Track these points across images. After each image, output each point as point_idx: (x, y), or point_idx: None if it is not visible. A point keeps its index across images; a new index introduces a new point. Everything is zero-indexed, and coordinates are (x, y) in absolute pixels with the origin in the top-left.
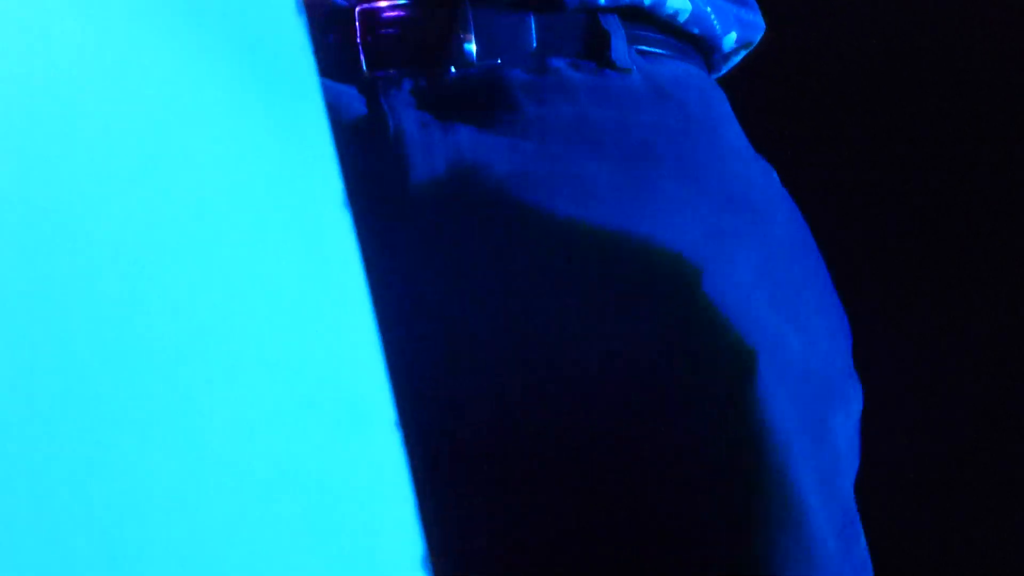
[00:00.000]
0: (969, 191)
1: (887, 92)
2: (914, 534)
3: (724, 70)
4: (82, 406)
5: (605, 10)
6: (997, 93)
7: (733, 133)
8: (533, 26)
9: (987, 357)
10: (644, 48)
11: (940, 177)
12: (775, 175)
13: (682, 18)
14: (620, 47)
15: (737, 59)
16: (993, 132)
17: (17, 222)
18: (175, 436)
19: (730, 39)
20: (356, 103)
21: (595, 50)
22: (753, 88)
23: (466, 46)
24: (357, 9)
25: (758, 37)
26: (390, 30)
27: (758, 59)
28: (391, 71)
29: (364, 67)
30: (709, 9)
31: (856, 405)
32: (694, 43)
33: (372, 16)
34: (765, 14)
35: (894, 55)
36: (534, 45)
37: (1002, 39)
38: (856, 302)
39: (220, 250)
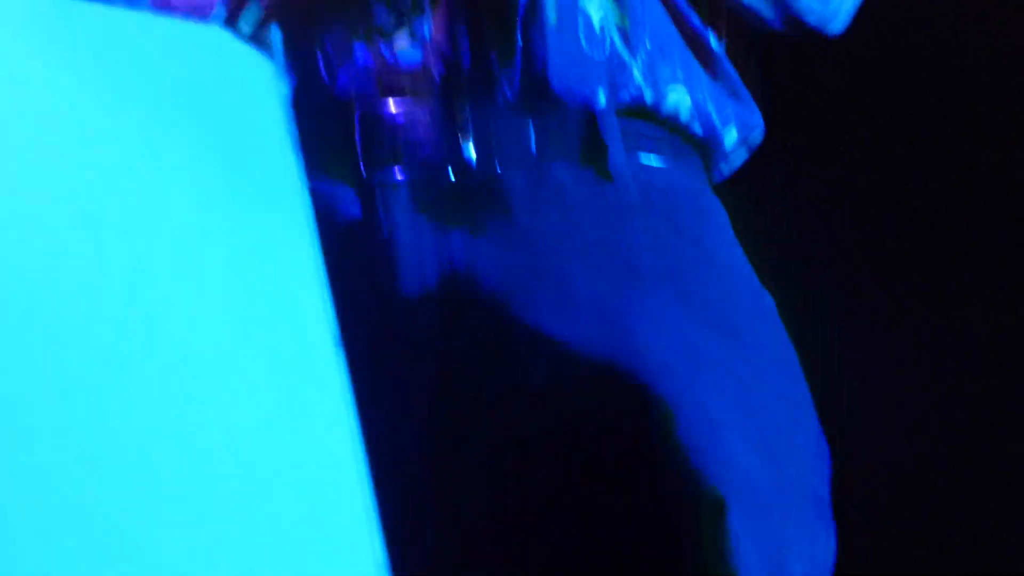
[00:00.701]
0: (969, 191)
1: (887, 91)
2: (914, 534)
3: (726, 173)
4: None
5: (605, 112)
6: (997, 93)
7: (726, 250)
8: (532, 130)
9: (987, 357)
10: (643, 154)
11: (940, 177)
12: (768, 297)
13: (683, 116)
14: (618, 155)
15: (739, 161)
16: (993, 132)
17: (17, 336)
18: None
19: (731, 135)
20: (351, 204)
21: (593, 157)
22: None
23: (464, 150)
24: (357, 108)
25: (759, 136)
26: (389, 131)
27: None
28: (388, 173)
29: (361, 167)
30: (708, 104)
31: (824, 552)
32: (695, 144)
33: (372, 116)
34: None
35: (893, 54)
36: (533, 150)
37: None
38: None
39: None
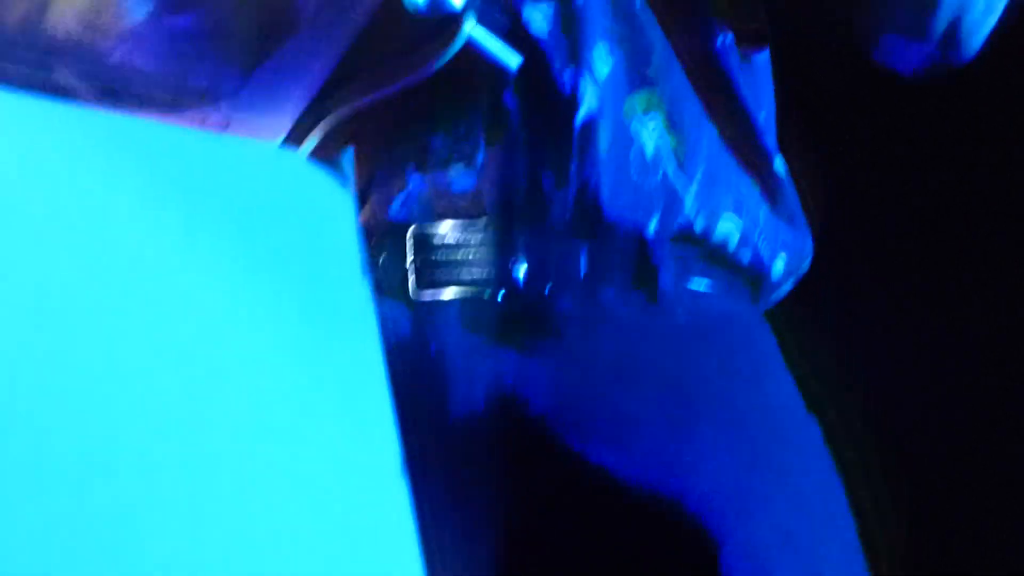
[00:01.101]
0: (969, 192)
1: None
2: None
3: (772, 301)
4: None
5: (655, 239)
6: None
7: (775, 380)
8: (584, 254)
9: (987, 357)
10: (692, 279)
11: (940, 178)
12: (814, 425)
13: (732, 244)
14: (668, 281)
15: (786, 288)
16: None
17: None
18: None
19: (779, 266)
20: (403, 322)
21: (644, 282)
22: None
23: (515, 271)
24: (410, 229)
25: (807, 264)
26: (441, 252)
27: None
28: (439, 292)
29: (413, 287)
30: (758, 234)
31: None
32: (743, 273)
33: (424, 237)
34: None
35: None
36: (583, 273)
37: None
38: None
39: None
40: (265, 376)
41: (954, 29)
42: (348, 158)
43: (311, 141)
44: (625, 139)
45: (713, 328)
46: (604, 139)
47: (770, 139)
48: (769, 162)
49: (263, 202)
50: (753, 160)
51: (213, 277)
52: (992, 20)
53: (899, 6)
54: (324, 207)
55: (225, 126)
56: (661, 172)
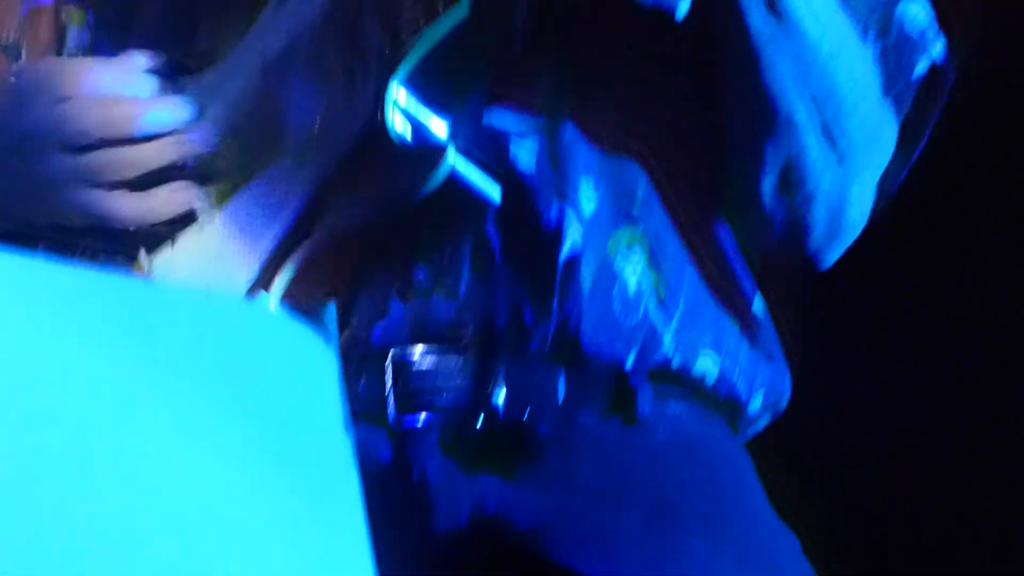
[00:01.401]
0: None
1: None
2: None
3: (750, 433)
4: None
5: (634, 372)
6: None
7: (755, 495)
8: (562, 381)
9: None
10: (670, 405)
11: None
12: (793, 538)
13: (709, 380)
14: (646, 404)
15: (762, 423)
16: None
17: None
18: None
19: (756, 403)
20: (383, 448)
21: (622, 407)
22: None
23: (494, 397)
24: (390, 355)
25: (784, 401)
26: (421, 377)
27: None
28: (418, 418)
29: (393, 412)
30: (736, 372)
31: None
32: (719, 406)
33: (404, 362)
34: None
35: None
36: (561, 399)
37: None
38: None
39: None
40: (244, 520)
41: (796, 239)
42: (331, 311)
43: (288, 270)
44: (609, 276)
45: (692, 445)
46: (587, 275)
47: (748, 279)
48: (748, 301)
49: (242, 357)
50: (732, 299)
51: (189, 430)
52: (848, 233)
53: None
54: (302, 359)
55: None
56: (642, 309)
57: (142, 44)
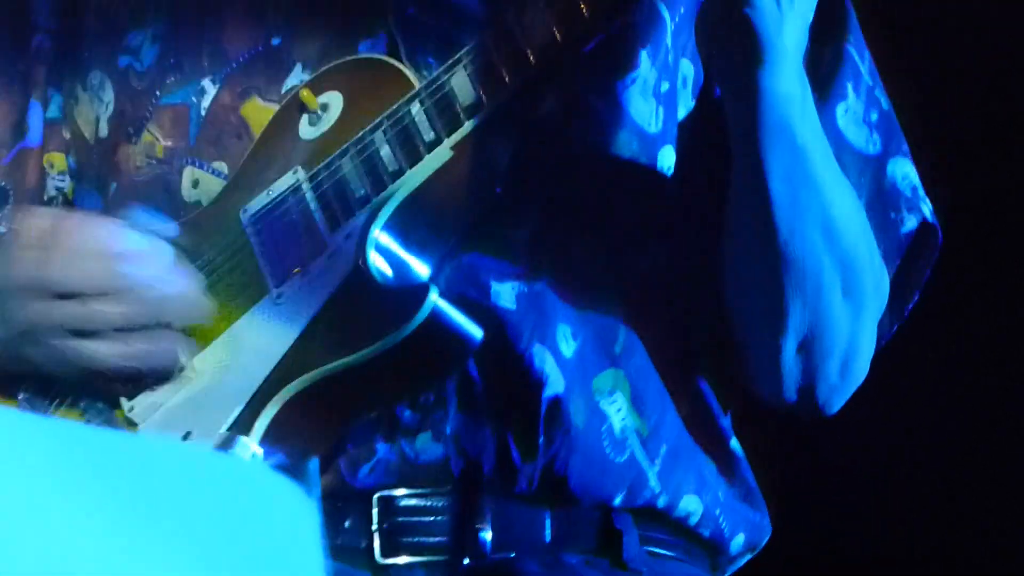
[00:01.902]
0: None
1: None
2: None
3: (729, 572)
4: None
5: (619, 510)
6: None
7: None
8: (548, 521)
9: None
10: (654, 549)
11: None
12: None
13: (693, 520)
14: (632, 546)
15: (742, 561)
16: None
17: None
18: None
19: (737, 542)
20: None
21: (607, 548)
22: None
23: (481, 536)
24: (376, 495)
25: (764, 540)
26: (406, 517)
27: None
28: (404, 560)
29: (379, 552)
30: (719, 512)
31: None
32: (702, 545)
33: (390, 502)
34: None
35: None
36: (548, 539)
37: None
38: None
39: None
40: None
41: (809, 396)
42: (314, 467)
43: (270, 413)
44: (597, 417)
45: None
46: (578, 416)
47: (726, 419)
48: (726, 441)
49: (222, 510)
50: (711, 439)
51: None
52: (855, 382)
53: (750, 373)
54: (283, 513)
55: None
56: (628, 450)
57: (124, 197)
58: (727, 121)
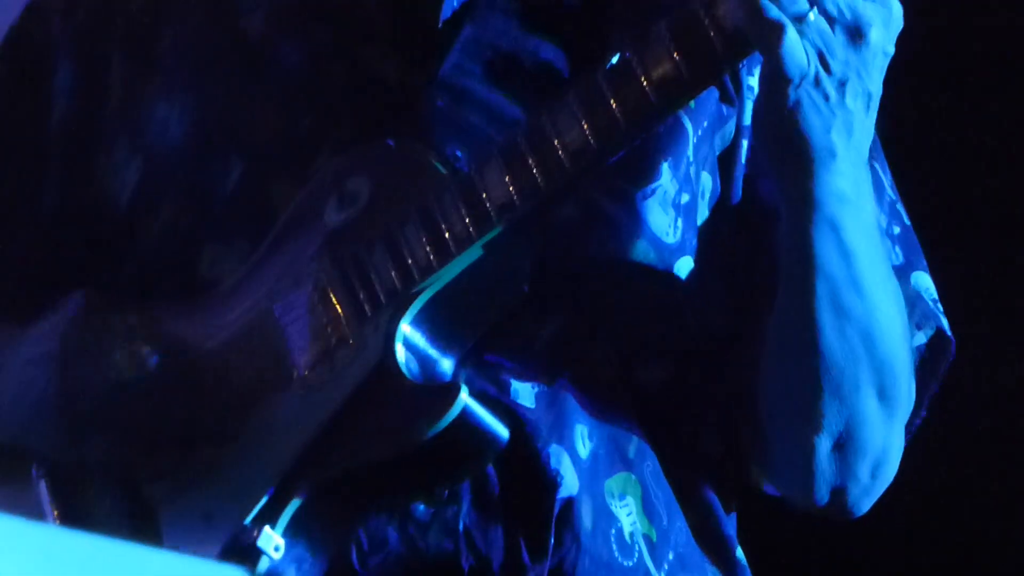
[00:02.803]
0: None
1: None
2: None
3: None
4: None
5: None
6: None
7: None
8: None
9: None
10: None
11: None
12: None
13: None
14: None
15: None
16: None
17: None
18: None
19: None
20: None
21: None
22: None
23: None
24: None
25: None
26: None
27: None
28: None
29: None
30: None
31: None
32: None
33: None
34: None
35: None
36: None
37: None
38: None
39: None
40: None
41: (839, 497)
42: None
43: (296, 502)
44: (607, 519)
45: None
46: (587, 518)
47: (732, 527)
48: (731, 550)
49: None
50: (718, 549)
51: None
52: (884, 484)
53: (780, 474)
54: None
55: None
56: (637, 554)
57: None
58: (780, 220)
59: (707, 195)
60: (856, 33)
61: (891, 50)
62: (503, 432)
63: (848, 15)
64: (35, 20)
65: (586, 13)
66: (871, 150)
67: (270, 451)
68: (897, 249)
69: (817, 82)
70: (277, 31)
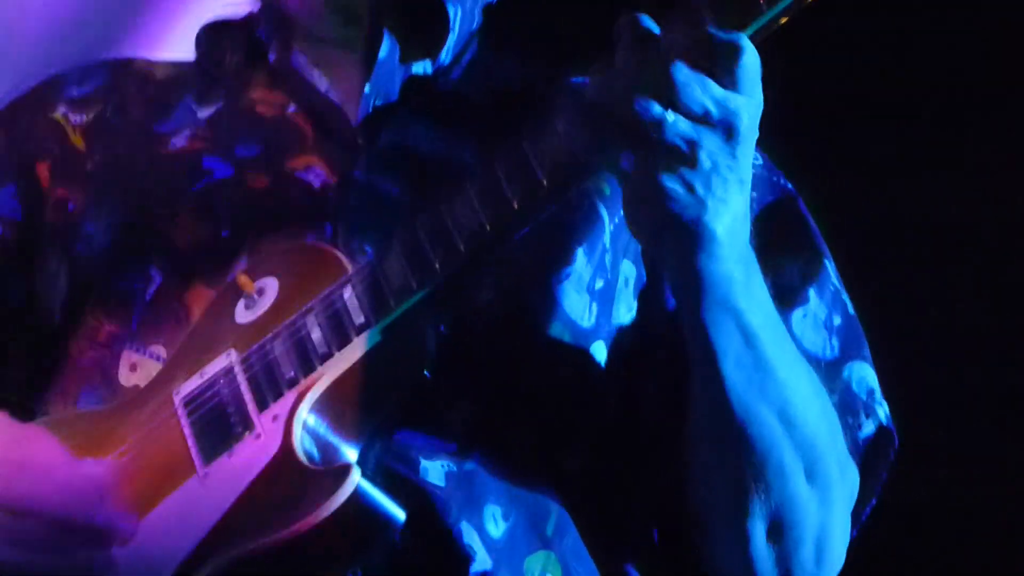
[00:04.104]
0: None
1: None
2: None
3: None
4: None
5: None
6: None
7: None
8: None
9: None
10: None
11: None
12: None
13: None
14: None
15: None
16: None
17: None
18: None
19: None
20: None
21: None
22: None
23: None
24: None
25: None
26: None
27: None
28: None
29: None
30: None
31: None
32: None
33: None
34: None
35: None
36: None
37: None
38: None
39: None
40: None
41: None
42: None
43: None
44: None
45: None
46: None
47: None
48: None
49: None
50: None
51: None
52: (831, 571)
53: (722, 566)
54: None
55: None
56: None
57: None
58: (677, 310)
59: (631, 284)
60: (726, 129)
61: (756, 132)
62: (399, 513)
63: (716, 113)
64: None
65: (496, 112)
66: (815, 239)
67: (171, 542)
68: (834, 341)
69: (682, 175)
70: (204, 147)
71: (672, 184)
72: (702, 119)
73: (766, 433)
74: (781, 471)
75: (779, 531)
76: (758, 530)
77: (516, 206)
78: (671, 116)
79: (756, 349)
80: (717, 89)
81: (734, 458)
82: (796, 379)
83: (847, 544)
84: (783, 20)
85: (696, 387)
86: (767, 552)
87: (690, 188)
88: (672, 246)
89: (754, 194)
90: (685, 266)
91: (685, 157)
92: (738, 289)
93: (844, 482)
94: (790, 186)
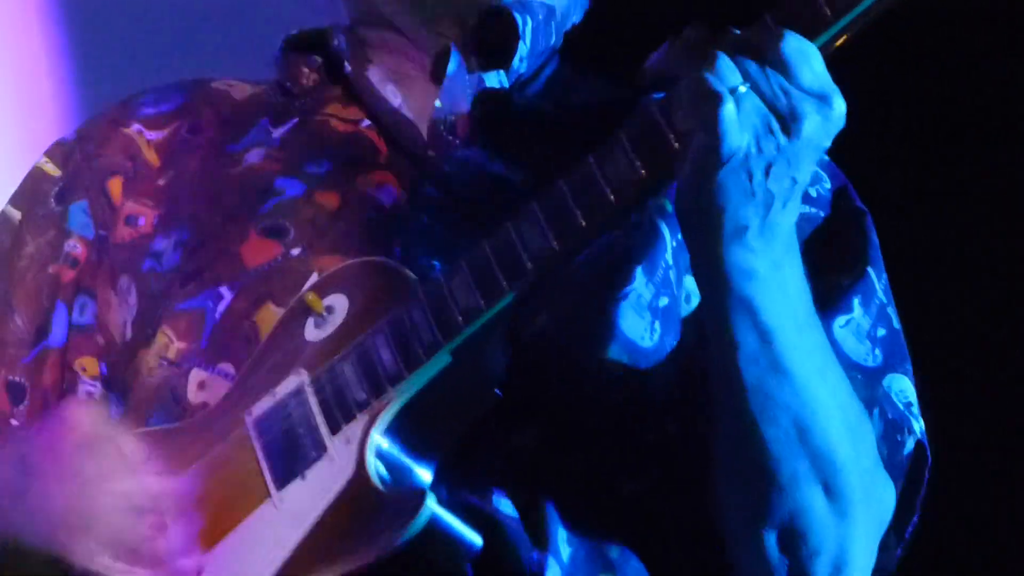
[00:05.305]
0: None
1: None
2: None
3: None
4: None
5: None
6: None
7: None
8: None
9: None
10: None
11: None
12: None
13: None
14: None
15: None
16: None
17: None
18: None
19: None
20: None
21: None
22: None
23: None
24: None
25: None
26: None
27: None
28: None
29: None
30: None
31: None
32: None
33: None
34: None
35: None
36: None
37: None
38: None
39: None
40: None
41: None
42: None
43: None
44: None
45: None
46: None
47: None
48: None
49: None
50: None
51: None
52: None
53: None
54: None
55: None
56: None
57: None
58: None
59: (693, 300)
60: (789, 121)
61: (826, 144)
62: (475, 539)
63: (783, 101)
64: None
65: (572, 130)
66: (869, 256)
67: (249, 568)
68: (877, 351)
69: (745, 159)
70: (276, 167)
71: (730, 168)
72: (770, 105)
73: (780, 438)
74: (795, 479)
75: (793, 541)
76: (770, 536)
77: (583, 224)
78: (744, 87)
79: (773, 351)
80: (787, 84)
81: (750, 461)
82: (819, 388)
83: (871, 569)
84: (840, 40)
85: (713, 384)
86: (780, 562)
87: (748, 175)
88: (705, 229)
89: (820, 213)
90: (710, 253)
91: (753, 140)
92: (758, 285)
93: (869, 502)
94: (861, 205)
